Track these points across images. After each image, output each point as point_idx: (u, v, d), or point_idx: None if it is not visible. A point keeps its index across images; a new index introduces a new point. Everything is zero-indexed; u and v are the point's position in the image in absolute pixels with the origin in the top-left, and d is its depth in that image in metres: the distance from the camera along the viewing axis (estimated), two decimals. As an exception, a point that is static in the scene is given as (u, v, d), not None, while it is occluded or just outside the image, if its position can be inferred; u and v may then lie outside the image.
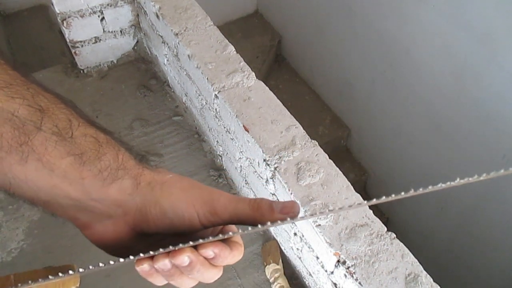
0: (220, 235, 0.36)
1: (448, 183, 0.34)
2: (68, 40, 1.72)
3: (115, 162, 0.38)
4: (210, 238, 0.36)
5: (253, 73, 1.28)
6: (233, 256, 0.38)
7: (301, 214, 1.01)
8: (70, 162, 0.36)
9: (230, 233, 0.37)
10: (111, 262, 0.33)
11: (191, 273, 0.37)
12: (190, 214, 0.38)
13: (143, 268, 0.36)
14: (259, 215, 0.38)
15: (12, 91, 0.35)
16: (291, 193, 1.02)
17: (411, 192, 0.35)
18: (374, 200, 0.35)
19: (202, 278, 0.38)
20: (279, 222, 0.36)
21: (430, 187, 0.35)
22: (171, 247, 0.35)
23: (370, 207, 1.01)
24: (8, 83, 0.35)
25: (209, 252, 0.36)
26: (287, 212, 0.38)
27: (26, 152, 0.35)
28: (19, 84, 0.36)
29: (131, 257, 0.34)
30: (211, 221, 0.38)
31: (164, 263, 0.36)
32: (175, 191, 0.39)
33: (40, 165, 0.35)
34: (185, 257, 0.35)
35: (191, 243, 0.35)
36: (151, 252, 0.35)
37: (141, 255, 0.34)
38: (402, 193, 0.35)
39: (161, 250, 0.35)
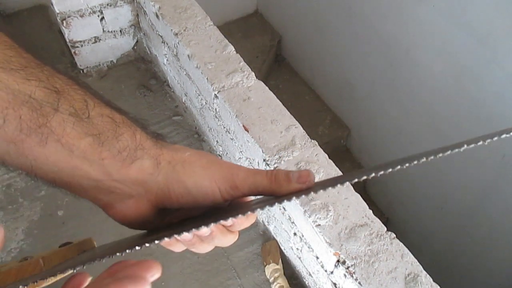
0: (240, 216, 0.37)
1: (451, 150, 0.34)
2: (67, 40, 1.72)
3: (133, 142, 0.39)
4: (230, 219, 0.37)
5: (253, 73, 1.28)
6: (248, 221, 0.40)
7: (301, 214, 1.01)
8: (89, 143, 0.36)
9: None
10: (137, 248, 0.33)
11: (211, 241, 0.40)
12: (213, 190, 0.39)
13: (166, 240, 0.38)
14: (277, 186, 0.39)
15: (27, 73, 0.35)
16: (291, 193, 1.02)
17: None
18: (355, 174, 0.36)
19: (221, 243, 0.41)
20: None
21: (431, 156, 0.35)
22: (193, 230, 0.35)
23: (370, 207, 1.01)
24: (24, 66, 0.35)
25: (228, 221, 0.37)
26: (304, 181, 0.39)
27: (45, 134, 0.35)
28: (34, 66, 0.36)
29: (165, 238, 0.35)
30: (232, 195, 0.40)
31: (187, 235, 0.37)
32: (197, 170, 0.40)
33: (59, 146, 0.36)
34: (206, 228, 0.37)
35: (221, 221, 0.36)
36: (183, 234, 0.35)
37: (166, 239, 0.35)
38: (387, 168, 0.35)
39: (192, 231, 0.35)
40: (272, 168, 1.08)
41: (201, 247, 0.41)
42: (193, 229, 0.34)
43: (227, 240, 0.41)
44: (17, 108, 0.34)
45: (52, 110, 0.35)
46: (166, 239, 0.34)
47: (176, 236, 0.35)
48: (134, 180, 0.38)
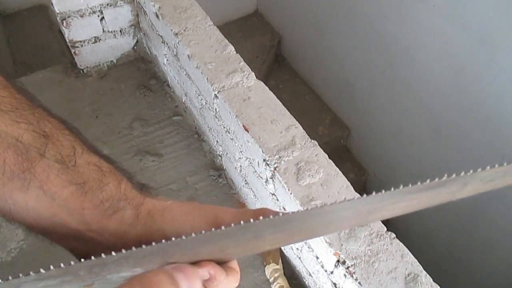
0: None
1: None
2: (67, 40, 1.72)
3: (117, 192, 0.38)
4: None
5: (253, 73, 1.28)
6: (228, 282, 0.36)
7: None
8: (71, 192, 0.35)
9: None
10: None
11: None
12: None
13: None
14: None
15: (17, 115, 0.34)
16: (291, 193, 1.02)
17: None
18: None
19: None
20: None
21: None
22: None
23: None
24: (14, 107, 0.35)
25: (204, 272, 0.34)
26: None
27: (28, 179, 0.34)
28: (25, 108, 0.35)
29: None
30: None
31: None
32: (177, 217, 0.38)
33: (41, 193, 0.35)
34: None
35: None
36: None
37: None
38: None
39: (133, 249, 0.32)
40: (272, 169, 1.08)
41: None
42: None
43: None
44: (2, 151, 0.33)
45: (38, 156, 0.34)
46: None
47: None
48: (113, 231, 0.37)
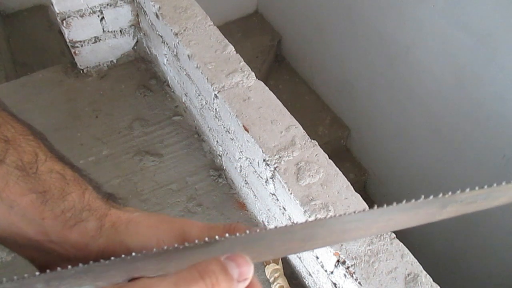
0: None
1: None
2: (67, 40, 1.72)
3: (80, 202, 0.36)
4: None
5: (253, 73, 1.28)
6: None
7: (301, 214, 1.01)
8: (31, 200, 0.34)
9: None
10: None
11: None
12: None
13: None
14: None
15: None
16: (291, 193, 1.02)
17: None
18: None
19: None
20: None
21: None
22: None
23: (370, 207, 1.01)
24: None
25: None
26: None
27: None
28: None
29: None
30: None
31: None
32: (141, 230, 0.37)
33: None
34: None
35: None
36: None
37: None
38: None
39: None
40: (272, 169, 1.08)
41: None
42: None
43: None
44: None
45: None
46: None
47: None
48: (74, 243, 0.35)
